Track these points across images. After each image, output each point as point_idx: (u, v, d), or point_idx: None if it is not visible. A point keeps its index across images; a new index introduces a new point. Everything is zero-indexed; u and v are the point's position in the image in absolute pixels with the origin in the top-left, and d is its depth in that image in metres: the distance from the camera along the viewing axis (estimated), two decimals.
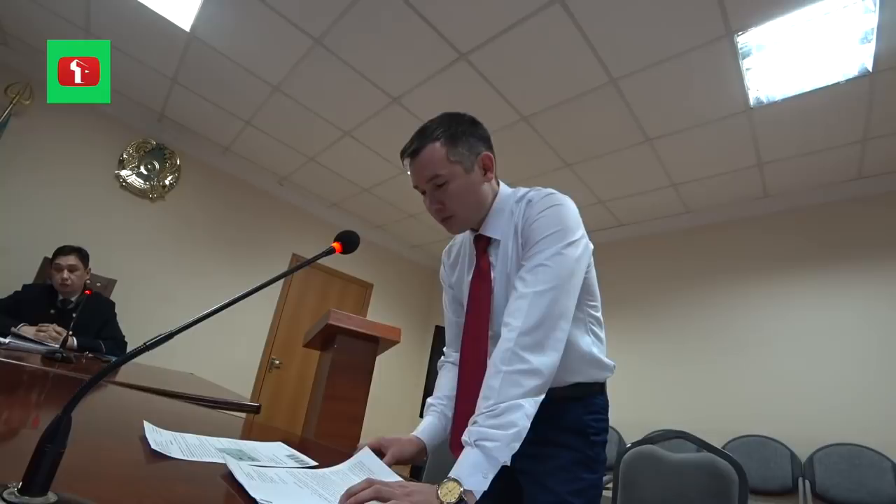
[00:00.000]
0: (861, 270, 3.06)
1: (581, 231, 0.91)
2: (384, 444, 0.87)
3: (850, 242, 3.16)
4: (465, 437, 0.73)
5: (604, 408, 1.00)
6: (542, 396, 0.79)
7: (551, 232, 0.87)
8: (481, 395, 0.77)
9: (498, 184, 1.03)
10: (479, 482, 0.68)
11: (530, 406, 0.76)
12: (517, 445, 0.73)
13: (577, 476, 0.91)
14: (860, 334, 2.93)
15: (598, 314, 1.02)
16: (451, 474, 0.68)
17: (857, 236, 3.14)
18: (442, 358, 1.17)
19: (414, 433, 0.96)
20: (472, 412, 0.78)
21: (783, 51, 2.32)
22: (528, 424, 0.74)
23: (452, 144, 0.93)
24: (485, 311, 0.97)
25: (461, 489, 0.65)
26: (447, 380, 1.08)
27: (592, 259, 0.96)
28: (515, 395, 0.75)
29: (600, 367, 0.99)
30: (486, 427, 0.72)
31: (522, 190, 1.00)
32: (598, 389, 1.00)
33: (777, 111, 2.70)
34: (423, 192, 0.97)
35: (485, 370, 0.89)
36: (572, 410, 0.95)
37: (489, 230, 0.99)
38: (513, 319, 0.81)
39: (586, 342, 0.97)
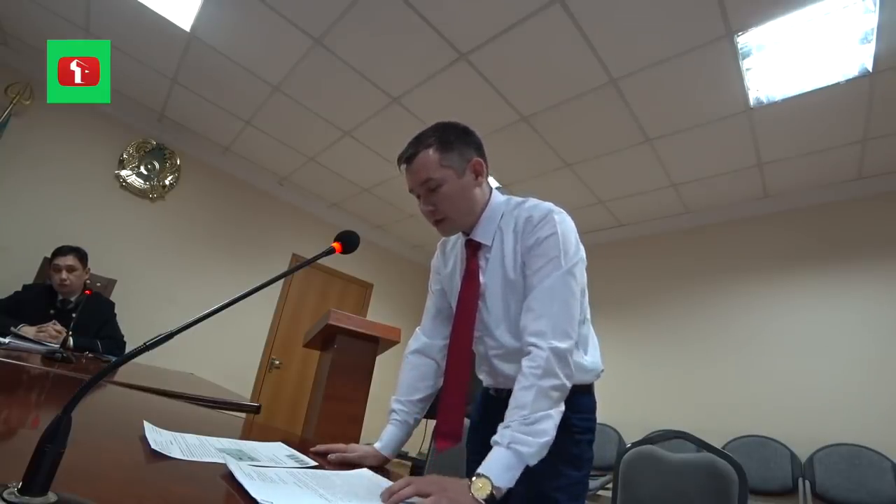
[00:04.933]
0: (861, 270, 3.06)
1: (579, 244, 0.98)
2: (351, 449, 0.92)
3: (850, 242, 3.15)
4: (496, 439, 0.78)
5: (590, 408, 1.03)
6: (563, 407, 0.84)
7: (560, 252, 0.92)
8: (513, 404, 0.82)
9: (490, 190, 1.07)
10: (508, 481, 0.73)
11: (557, 416, 0.82)
12: (545, 453, 0.78)
13: (562, 473, 0.94)
14: (860, 334, 2.92)
15: (586, 315, 1.03)
16: (482, 471, 0.73)
17: (857, 236, 3.13)
18: (410, 343, 1.18)
19: (377, 445, 1.01)
20: (458, 404, 0.85)
21: (783, 51, 2.32)
22: (555, 433, 0.80)
23: (445, 150, 0.97)
24: (472, 311, 1.01)
25: (492, 486, 0.70)
26: (412, 377, 1.12)
27: None
28: (546, 406, 0.80)
29: (582, 370, 1.00)
30: (520, 433, 0.77)
31: (515, 199, 1.05)
32: (583, 390, 1.02)
33: (777, 111, 2.70)
34: (419, 197, 1.02)
35: (469, 365, 1.00)
36: None
37: (479, 235, 1.03)
38: (541, 339, 0.85)
39: None
